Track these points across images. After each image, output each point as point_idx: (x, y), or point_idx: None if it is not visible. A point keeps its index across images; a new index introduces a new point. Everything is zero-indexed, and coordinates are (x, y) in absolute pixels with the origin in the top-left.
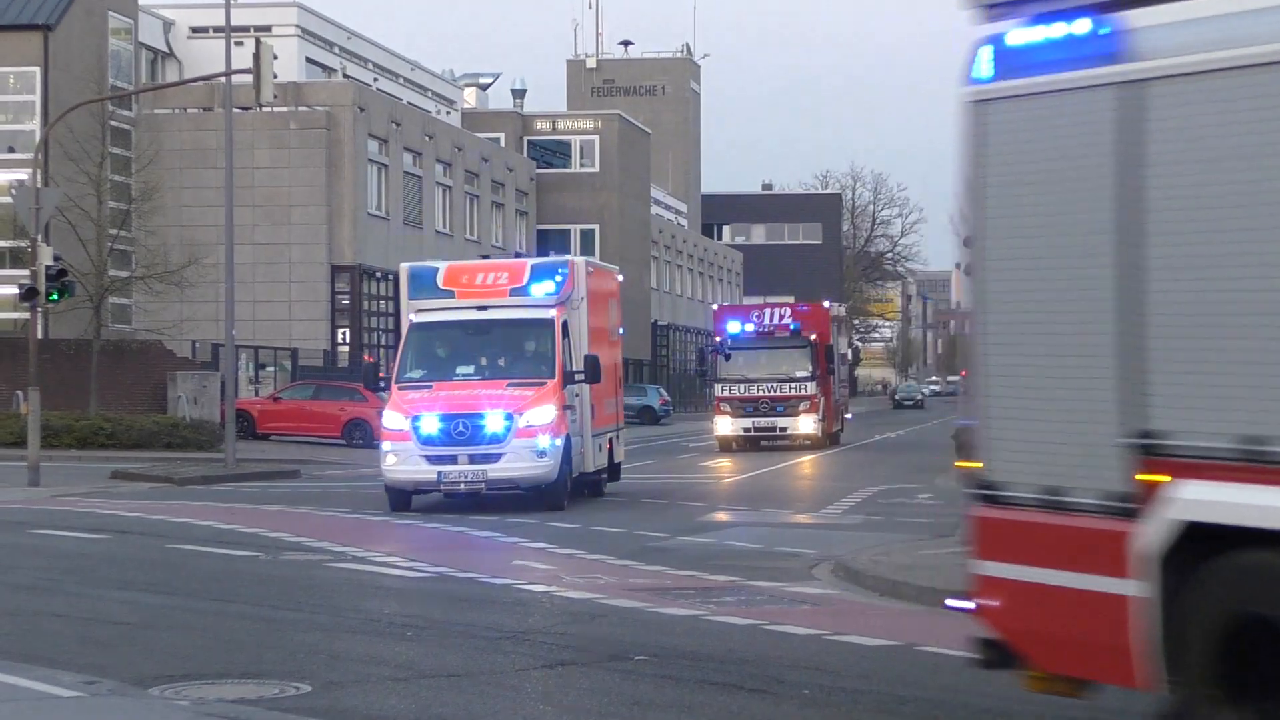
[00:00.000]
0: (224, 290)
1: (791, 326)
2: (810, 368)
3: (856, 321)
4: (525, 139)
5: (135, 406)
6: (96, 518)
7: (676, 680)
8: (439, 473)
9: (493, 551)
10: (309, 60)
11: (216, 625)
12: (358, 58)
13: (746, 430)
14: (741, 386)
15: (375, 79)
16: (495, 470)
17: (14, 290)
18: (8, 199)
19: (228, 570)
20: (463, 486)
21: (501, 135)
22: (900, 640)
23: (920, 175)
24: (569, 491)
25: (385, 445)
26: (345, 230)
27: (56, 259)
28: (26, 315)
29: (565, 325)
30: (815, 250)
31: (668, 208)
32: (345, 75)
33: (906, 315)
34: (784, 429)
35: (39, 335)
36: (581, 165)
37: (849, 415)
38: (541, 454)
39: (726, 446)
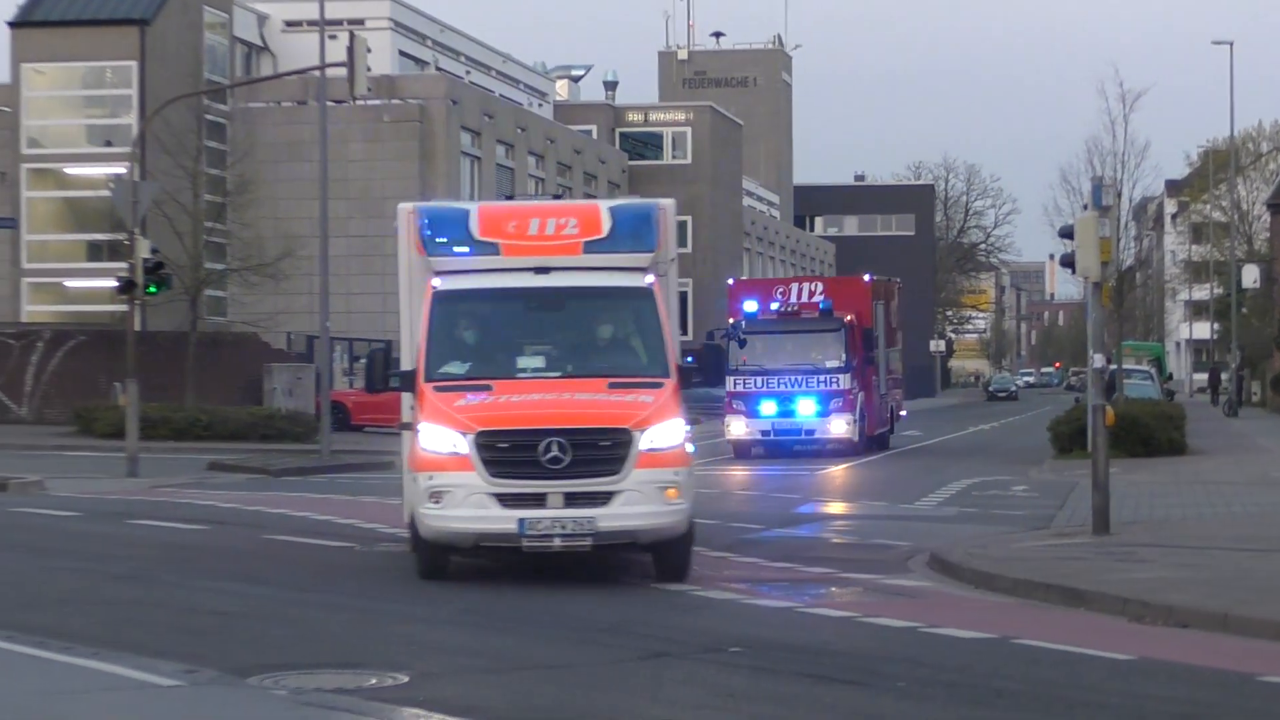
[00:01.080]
0: (318, 283)
1: (821, 305)
2: (844, 355)
3: (950, 313)
4: (617, 131)
5: (231, 398)
6: (193, 508)
7: (772, 672)
8: (520, 520)
9: None
10: (402, 53)
11: (313, 615)
12: (450, 50)
13: (765, 433)
14: (759, 380)
15: (468, 72)
16: (607, 517)
17: (112, 283)
18: (106, 193)
19: (323, 561)
20: (558, 542)
21: (593, 127)
22: (996, 633)
23: (1013, 166)
24: None
25: (423, 478)
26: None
27: (154, 252)
28: (124, 308)
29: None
30: (908, 241)
31: (760, 199)
32: (438, 68)
33: (1000, 306)
34: (810, 431)
35: (136, 328)
36: (673, 157)
37: (903, 413)
38: (671, 492)
39: (743, 452)
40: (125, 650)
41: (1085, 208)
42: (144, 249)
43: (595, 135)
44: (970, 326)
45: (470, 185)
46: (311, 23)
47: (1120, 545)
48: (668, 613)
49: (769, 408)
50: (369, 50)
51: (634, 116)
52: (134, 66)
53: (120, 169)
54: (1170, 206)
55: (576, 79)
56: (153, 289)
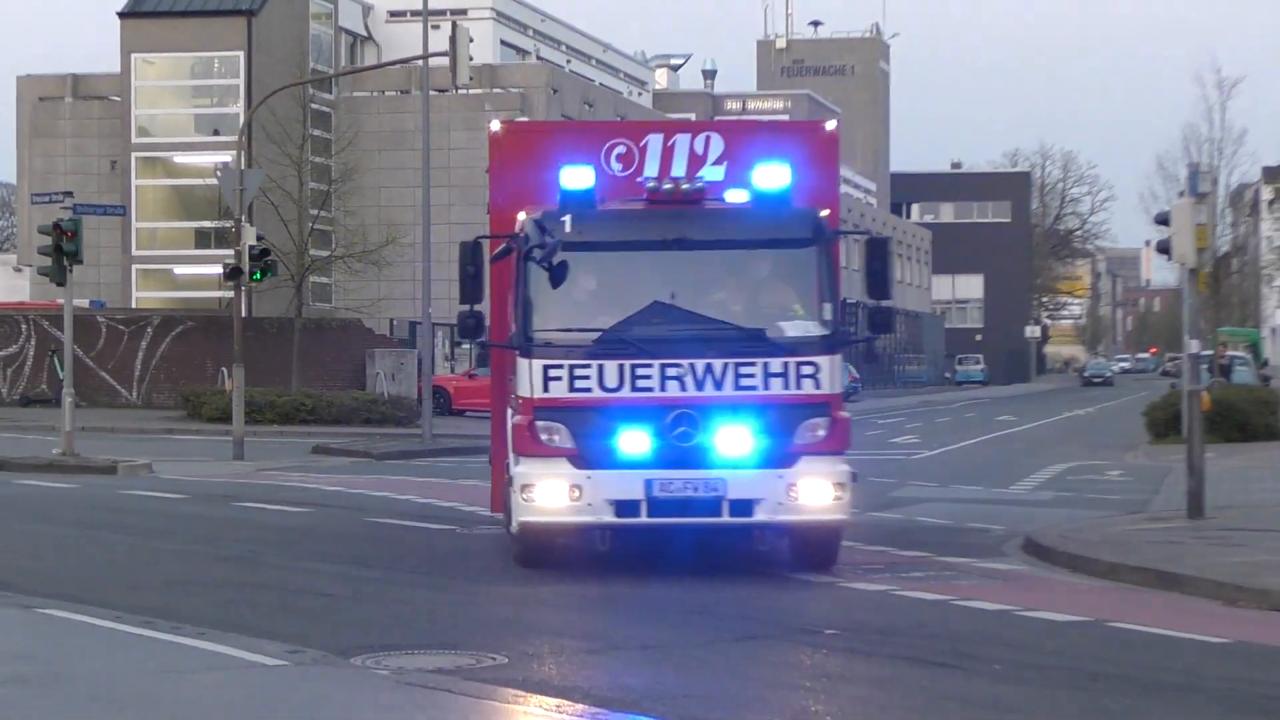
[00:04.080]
0: (421, 270)
1: (753, 188)
2: (822, 305)
3: (1045, 299)
4: (716, 119)
5: (335, 383)
6: (298, 491)
7: (866, 655)
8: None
9: None
10: (503, 43)
11: (415, 597)
12: (551, 40)
13: (628, 506)
14: (600, 368)
15: (568, 60)
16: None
17: (219, 270)
18: (213, 181)
19: (425, 544)
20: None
21: (693, 115)
22: (1090, 617)
23: (1110, 153)
24: None
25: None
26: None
27: (260, 239)
28: (231, 294)
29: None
30: (1004, 228)
31: (857, 186)
32: (539, 57)
33: (1095, 293)
34: (740, 503)
35: (243, 314)
36: None
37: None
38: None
39: (535, 558)
40: (231, 630)
41: (1182, 194)
42: (250, 236)
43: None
44: (1066, 313)
45: None
46: (415, 13)
47: (1215, 530)
48: (762, 595)
49: (636, 441)
50: (471, 40)
51: (732, 105)
52: (241, 56)
53: (227, 157)
54: (1267, 193)
55: (676, 68)
56: (258, 275)
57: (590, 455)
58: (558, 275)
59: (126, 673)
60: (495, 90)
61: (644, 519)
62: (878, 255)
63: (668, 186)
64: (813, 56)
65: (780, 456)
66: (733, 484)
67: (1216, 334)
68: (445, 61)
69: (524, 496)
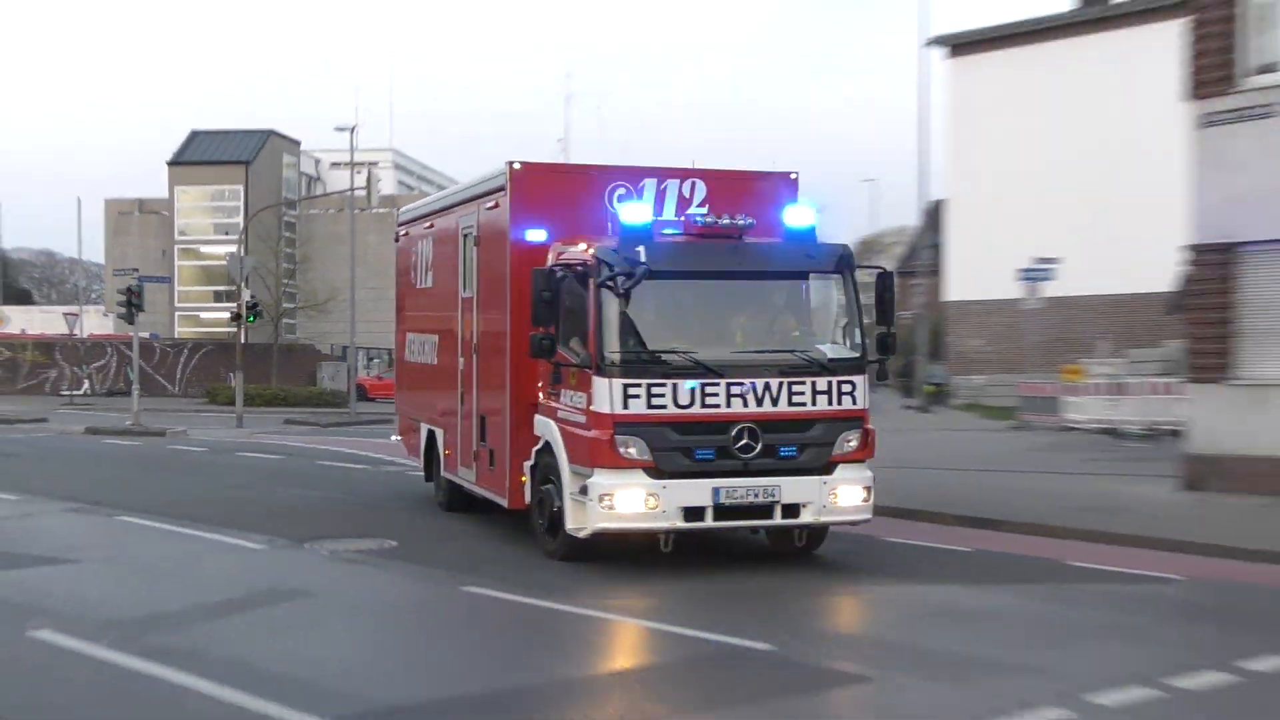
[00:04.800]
0: (349, 315)
1: (785, 226)
2: (851, 329)
3: None
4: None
5: (298, 382)
6: (276, 446)
7: None
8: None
9: None
10: (400, 181)
11: (344, 507)
12: (429, 180)
13: (695, 512)
14: (674, 388)
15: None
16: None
17: (228, 315)
18: (224, 263)
19: (350, 476)
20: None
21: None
22: None
23: None
24: None
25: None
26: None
27: (252, 297)
28: (235, 329)
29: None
30: None
31: None
32: (422, 191)
33: None
34: (789, 505)
35: (242, 341)
36: None
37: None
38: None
39: (581, 554)
40: (232, 528)
41: None
42: (246, 295)
43: None
44: None
45: None
46: (346, 164)
47: None
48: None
49: (706, 453)
50: (379, 180)
51: None
52: (241, 188)
53: (232, 248)
54: None
55: None
56: (251, 319)
57: (665, 466)
58: (633, 301)
59: (165, 552)
60: (394, 210)
61: (710, 523)
62: (886, 286)
63: (711, 220)
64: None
65: (823, 464)
66: (785, 490)
67: None
68: (363, 193)
69: (602, 504)
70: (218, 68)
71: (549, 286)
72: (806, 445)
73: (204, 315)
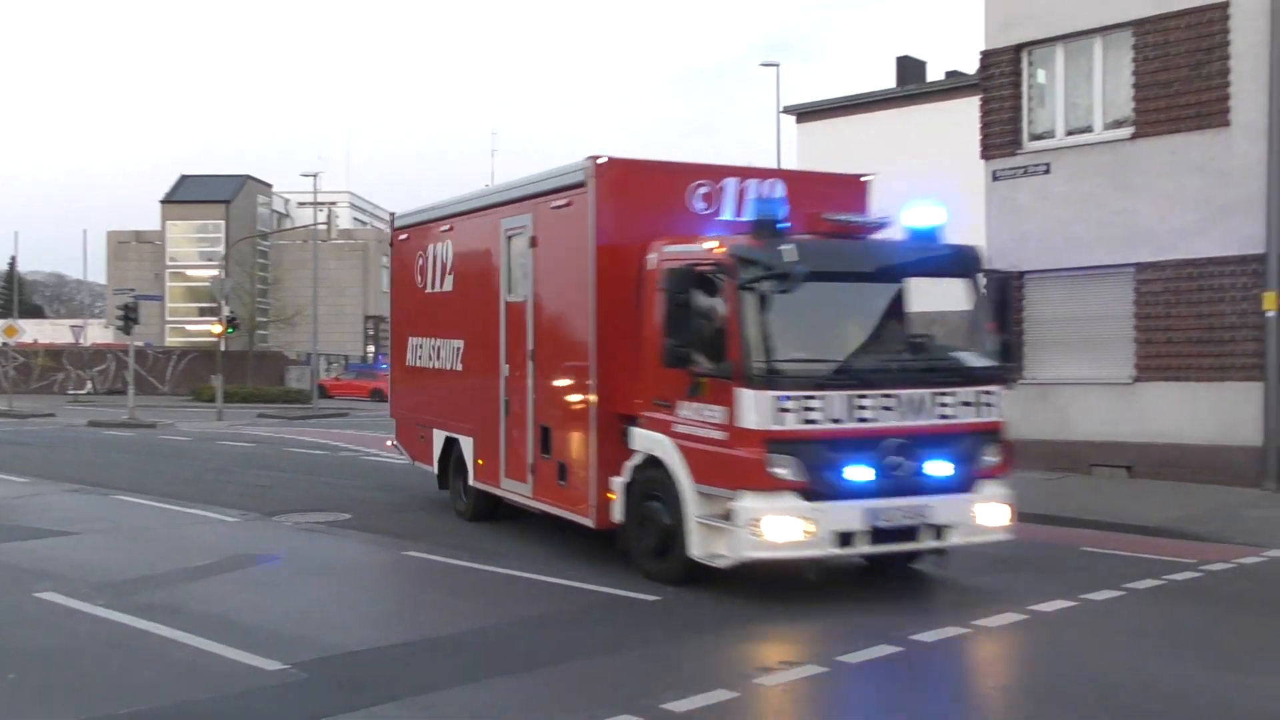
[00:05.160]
0: (312, 327)
1: (913, 226)
2: (988, 337)
3: None
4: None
5: (270, 382)
6: (250, 436)
7: None
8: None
9: None
10: (355, 218)
11: (307, 486)
12: (379, 216)
13: (847, 537)
14: (828, 400)
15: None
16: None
17: (210, 327)
18: (208, 284)
19: (312, 460)
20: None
21: None
22: None
23: None
24: None
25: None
26: (372, 298)
27: (231, 312)
28: (216, 338)
29: None
30: None
31: None
32: (374, 225)
33: None
34: (938, 526)
35: (223, 349)
36: None
37: None
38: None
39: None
40: (211, 504)
41: None
42: (226, 311)
43: None
44: None
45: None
46: (309, 203)
47: None
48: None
49: (860, 472)
50: (338, 216)
51: None
52: (222, 224)
53: (215, 272)
54: None
55: None
56: (231, 330)
57: (818, 487)
58: (774, 305)
59: (154, 525)
60: (350, 241)
61: (864, 548)
62: (1008, 290)
63: (844, 219)
64: None
65: (967, 480)
66: (936, 510)
67: None
68: (324, 228)
69: (750, 531)
70: (204, 121)
71: (684, 289)
72: (954, 460)
73: (190, 327)
